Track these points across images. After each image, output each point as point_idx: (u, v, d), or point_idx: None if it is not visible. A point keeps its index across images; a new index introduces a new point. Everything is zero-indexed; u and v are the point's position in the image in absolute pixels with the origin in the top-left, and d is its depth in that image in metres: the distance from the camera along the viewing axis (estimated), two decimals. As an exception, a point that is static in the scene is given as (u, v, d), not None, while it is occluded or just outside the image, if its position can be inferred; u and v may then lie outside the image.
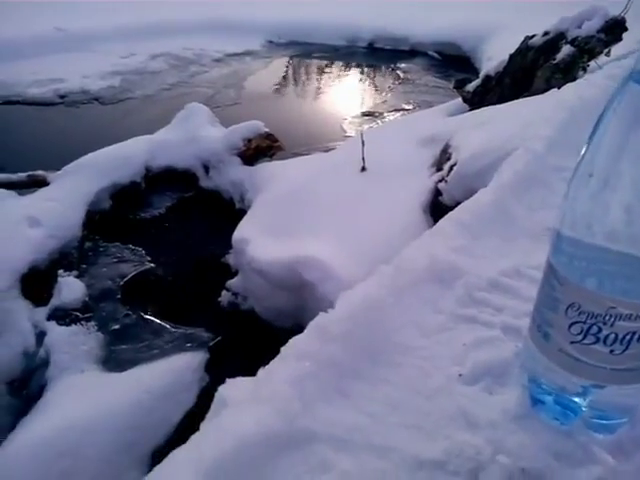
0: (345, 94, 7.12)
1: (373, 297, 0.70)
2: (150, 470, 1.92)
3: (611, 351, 0.47)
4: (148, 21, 8.95)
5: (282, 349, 0.66)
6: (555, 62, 2.92)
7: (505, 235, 0.92)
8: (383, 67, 8.31)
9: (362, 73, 8.22)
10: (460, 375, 0.61)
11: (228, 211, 3.85)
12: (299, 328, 2.32)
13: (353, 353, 0.62)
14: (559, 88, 2.61)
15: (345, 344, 0.63)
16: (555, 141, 1.28)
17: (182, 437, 2.03)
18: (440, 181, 2.47)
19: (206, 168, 4.12)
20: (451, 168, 2.34)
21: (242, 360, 2.77)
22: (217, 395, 0.65)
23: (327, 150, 4.90)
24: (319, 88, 7.38)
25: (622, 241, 0.45)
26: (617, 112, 0.44)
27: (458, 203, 2.31)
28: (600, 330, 0.46)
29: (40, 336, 2.73)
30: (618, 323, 0.45)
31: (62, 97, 6.00)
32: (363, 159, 3.11)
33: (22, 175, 3.75)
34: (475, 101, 3.63)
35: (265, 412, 0.53)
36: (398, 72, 7.93)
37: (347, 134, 5.47)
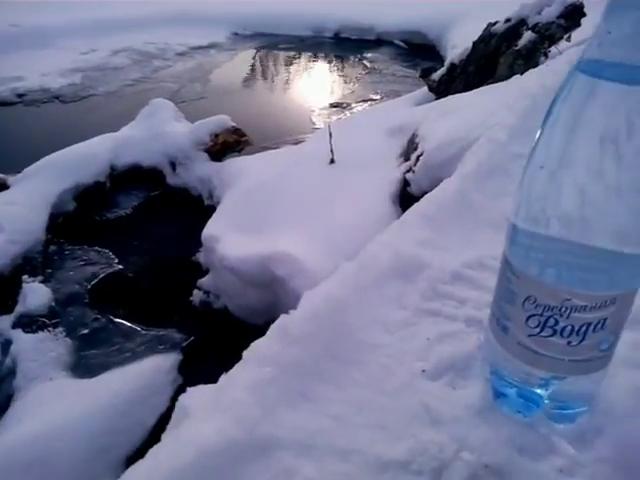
0: (312, 85, 7.08)
1: (336, 296, 0.69)
2: None
3: (568, 342, 0.47)
4: (108, 16, 8.70)
5: (244, 353, 0.64)
6: (517, 48, 2.96)
7: (468, 226, 0.92)
8: (350, 57, 8.29)
9: (329, 63, 8.18)
10: (423, 371, 0.60)
11: (197, 208, 3.78)
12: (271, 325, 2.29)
13: (316, 354, 0.61)
14: (522, 74, 2.65)
15: (308, 345, 0.61)
16: (517, 129, 1.29)
17: (156, 440, 2.00)
18: (408, 171, 2.48)
19: (173, 165, 4.04)
20: (418, 158, 2.34)
21: (216, 360, 2.74)
22: (178, 405, 0.63)
23: (296, 143, 4.87)
24: (286, 80, 7.32)
25: (575, 232, 0.45)
26: (565, 102, 0.43)
27: (425, 193, 2.33)
28: (557, 322, 0.46)
29: (5, 345, 2.64)
30: (574, 315, 0.45)
31: (21, 96, 5.78)
32: (332, 151, 3.10)
33: (-21, 179, 3.61)
34: (441, 90, 3.65)
35: (225, 420, 0.51)
36: (365, 62, 7.92)
37: (316, 126, 5.44)
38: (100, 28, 8.14)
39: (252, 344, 0.66)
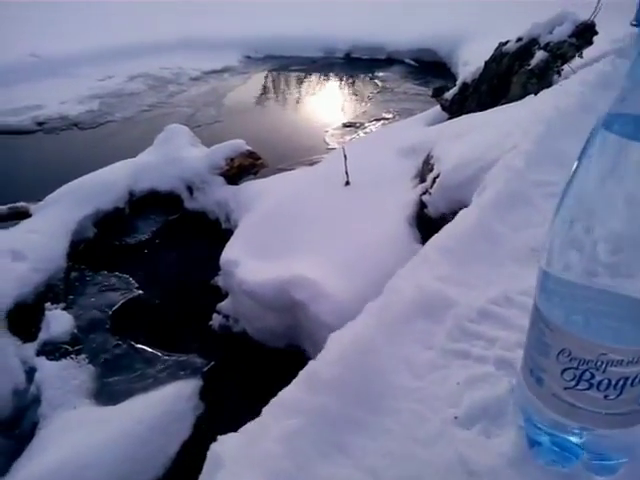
0: (325, 105, 7.16)
1: (362, 338, 0.70)
2: None
3: (605, 396, 0.46)
4: (123, 42, 8.92)
5: (272, 401, 0.65)
6: (530, 67, 2.96)
7: (491, 259, 0.92)
8: (361, 76, 8.37)
9: (341, 83, 8.27)
10: (456, 417, 0.60)
11: (214, 232, 3.83)
12: (293, 348, 2.33)
13: (345, 401, 0.61)
14: (536, 94, 2.65)
15: (336, 391, 0.61)
16: (534, 155, 1.29)
17: (178, 468, 2.00)
18: (424, 193, 2.48)
19: (190, 189, 4.10)
20: (434, 180, 2.35)
21: (237, 385, 2.74)
22: (210, 454, 0.63)
23: (311, 164, 4.91)
24: (299, 101, 7.41)
25: (608, 282, 0.45)
26: (592, 159, 0.44)
27: (443, 215, 2.32)
28: (593, 376, 0.46)
29: (30, 373, 2.68)
30: (610, 369, 0.45)
31: (40, 124, 5.94)
32: (346, 173, 3.12)
33: (3, 208, 3.69)
34: (454, 109, 3.67)
35: (259, 476, 0.51)
36: (376, 81, 7.99)
37: (330, 146, 5.48)
38: (115, 54, 8.35)
39: (279, 393, 0.67)
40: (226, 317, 2.96)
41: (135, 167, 4.16)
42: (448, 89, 3.92)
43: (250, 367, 2.71)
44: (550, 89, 2.37)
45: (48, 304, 3.07)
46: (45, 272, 3.19)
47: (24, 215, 3.60)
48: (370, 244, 2.41)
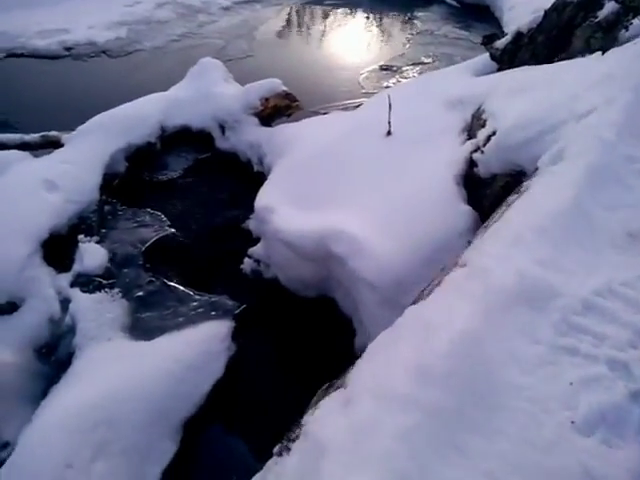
0: (361, 46, 6.83)
1: (469, 328, 0.66)
2: (182, 440, 1.94)
3: None
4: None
5: (382, 393, 0.62)
6: (597, 20, 2.75)
7: (588, 244, 0.86)
8: (400, 16, 7.95)
9: (378, 22, 7.86)
10: (573, 422, 0.57)
11: (246, 174, 3.76)
12: (323, 298, 2.31)
13: (458, 397, 0.58)
14: (602, 51, 2.46)
15: (449, 387, 0.58)
16: (625, 127, 1.20)
17: (212, 406, 2.04)
18: (475, 151, 2.37)
19: (222, 128, 3.98)
20: (488, 138, 2.23)
21: (267, 328, 2.77)
22: (306, 432, 0.61)
23: (345, 108, 4.74)
24: (334, 39, 7.09)
25: None
26: None
27: (494, 175, 2.23)
28: None
29: (64, 303, 2.72)
30: None
31: (68, 49, 5.79)
32: (389, 123, 2.99)
33: (35, 136, 3.65)
34: (505, 59, 3.46)
35: (375, 474, 0.49)
36: (415, 22, 7.59)
37: (365, 90, 5.27)
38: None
39: (387, 382, 0.64)
40: (257, 262, 2.96)
41: (167, 102, 4.05)
42: (499, 37, 3.69)
43: (280, 313, 2.73)
44: (623, 48, 2.20)
45: (81, 236, 3.08)
46: (78, 204, 3.18)
47: (56, 144, 3.56)
48: (413, 201, 2.34)
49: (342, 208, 2.51)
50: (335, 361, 2.41)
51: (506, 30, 5.20)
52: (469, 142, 2.51)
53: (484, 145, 2.26)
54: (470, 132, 2.62)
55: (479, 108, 2.63)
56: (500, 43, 3.60)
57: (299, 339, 2.58)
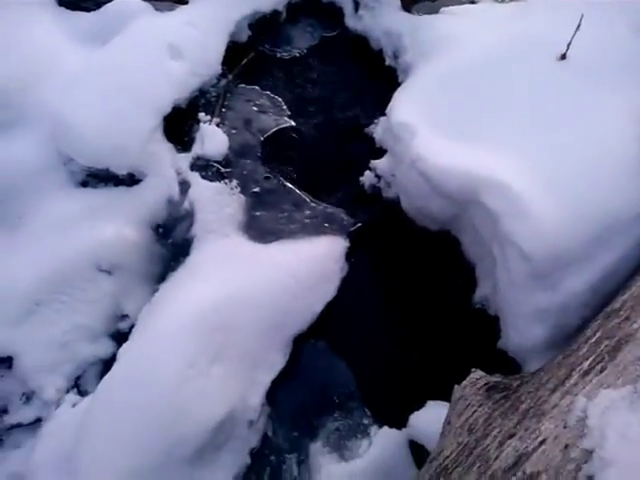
0: None
1: None
2: (292, 354, 1.98)
3: None
4: None
5: None
6: None
7: None
8: None
9: None
10: None
11: (375, 66, 3.34)
12: (445, 235, 2.15)
13: None
14: None
15: None
16: None
17: (322, 327, 2.05)
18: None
19: (356, 4, 3.50)
20: None
21: (381, 254, 2.66)
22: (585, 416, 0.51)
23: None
24: None
25: None
26: None
27: None
28: None
29: (184, 185, 2.68)
30: None
31: None
32: (569, 44, 2.49)
33: (160, -15, 3.34)
34: None
35: None
36: None
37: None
38: None
39: None
40: (378, 178, 2.76)
41: (299, -36, 3.55)
42: None
43: (395, 238, 2.60)
44: None
45: (202, 115, 2.95)
46: (201, 77, 2.99)
47: (181, 0, 3.26)
48: (591, 162, 2.00)
49: (498, 147, 2.19)
50: (446, 308, 2.34)
51: None
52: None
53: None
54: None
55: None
56: None
57: (411, 272, 2.48)
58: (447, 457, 1.20)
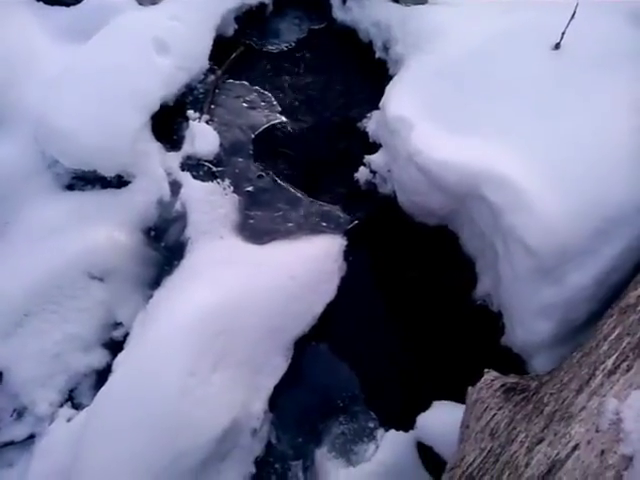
0: None
1: None
2: (293, 357, 1.93)
3: None
4: None
5: None
6: None
7: None
8: None
9: None
10: None
11: (365, 58, 3.27)
12: (443, 229, 2.12)
13: None
14: None
15: None
16: None
17: (323, 328, 2.01)
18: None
19: (344, -5, 3.45)
20: None
21: (380, 251, 2.59)
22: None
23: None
24: None
25: None
26: None
27: None
28: None
29: (174, 186, 2.59)
30: None
31: None
32: (563, 33, 2.46)
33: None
34: None
35: None
36: None
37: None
38: None
39: None
40: (373, 173, 2.71)
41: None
42: None
43: (391, 234, 2.56)
44: None
45: (191, 112, 2.86)
46: (188, 72, 2.90)
47: (163, -7, 3.15)
48: (591, 152, 1.97)
49: (497, 139, 2.15)
50: (446, 305, 2.31)
51: None
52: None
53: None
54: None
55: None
56: None
57: (410, 269, 2.44)
58: (470, 464, 1.15)
